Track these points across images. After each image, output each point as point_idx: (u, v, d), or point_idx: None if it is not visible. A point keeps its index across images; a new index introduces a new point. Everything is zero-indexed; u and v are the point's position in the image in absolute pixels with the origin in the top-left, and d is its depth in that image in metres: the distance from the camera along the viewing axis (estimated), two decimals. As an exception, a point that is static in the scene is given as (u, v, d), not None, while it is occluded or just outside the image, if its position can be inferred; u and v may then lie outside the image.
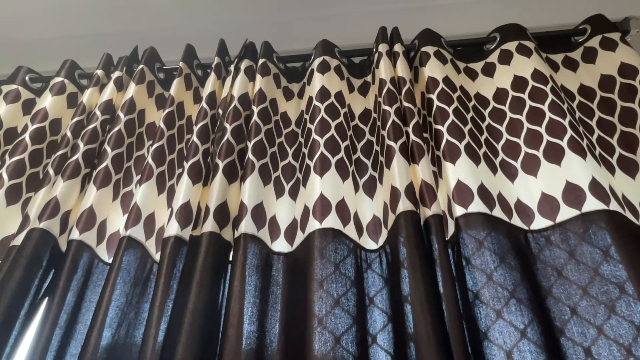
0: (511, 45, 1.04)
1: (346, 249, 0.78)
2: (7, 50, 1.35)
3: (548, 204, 0.80)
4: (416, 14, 1.26)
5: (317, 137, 0.92)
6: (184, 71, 1.11)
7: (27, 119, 1.14)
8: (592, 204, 0.75)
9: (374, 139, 0.98)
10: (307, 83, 1.10)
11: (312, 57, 1.11)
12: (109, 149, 0.96)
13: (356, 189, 0.90)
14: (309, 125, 0.97)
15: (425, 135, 0.93)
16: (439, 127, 0.89)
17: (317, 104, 0.98)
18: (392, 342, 0.71)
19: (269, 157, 0.95)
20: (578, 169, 0.79)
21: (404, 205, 0.77)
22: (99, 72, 1.16)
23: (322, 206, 0.81)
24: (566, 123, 0.85)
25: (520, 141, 0.90)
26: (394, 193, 0.80)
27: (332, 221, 0.80)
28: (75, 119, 1.05)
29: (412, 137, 0.87)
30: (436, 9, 1.26)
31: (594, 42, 1.05)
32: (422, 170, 0.82)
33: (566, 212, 0.77)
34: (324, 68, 1.05)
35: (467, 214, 0.75)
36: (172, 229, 0.81)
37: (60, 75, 1.18)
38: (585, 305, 0.68)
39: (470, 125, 0.90)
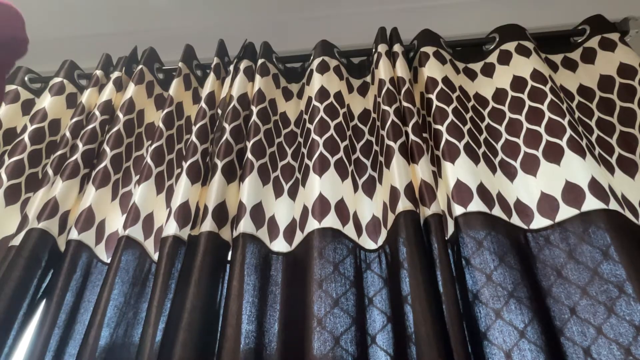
0: (510, 46, 1.04)
1: (345, 249, 0.78)
2: (7, 50, 1.35)
3: (547, 204, 0.80)
4: (415, 14, 1.26)
5: (317, 137, 0.91)
6: (183, 71, 1.11)
7: (26, 119, 1.14)
8: (591, 203, 0.74)
9: (373, 139, 0.98)
10: (306, 83, 1.10)
11: (312, 58, 1.11)
12: (108, 149, 0.96)
13: (355, 189, 0.90)
14: (308, 125, 0.97)
15: (424, 135, 0.93)
16: (438, 126, 0.88)
17: (317, 104, 0.98)
18: (392, 342, 0.71)
19: (268, 157, 0.95)
20: (577, 169, 0.79)
21: (404, 204, 0.77)
22: (98, 72, 1.16)
23: (321, 206, 0.81)
24: (565, 123, 0.85)
25: (520, 141, 0.90)
26: (394, 193, 0.80)
27: (331, 221, 0.79)
28: (75, 119, 1.05)
29: (412, 137, 0.87)
30: (435, 10, 1.26)
31: (593, 42, 1.05)
32: (422, 170, 0.82)
33: (566, 212, 0.77)
34: (323, 68, 1.05)
35: (467, 213, 0.75)
36: (171, 228, 0.81)
37: (59, 76, 1.18)
38: (585, 305, 0.68)
39: (469, 125, 0.90)
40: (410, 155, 0.86)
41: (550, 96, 0.90)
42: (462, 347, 0.63)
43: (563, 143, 0.83)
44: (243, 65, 1.09)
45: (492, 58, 1.06)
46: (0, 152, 1.07)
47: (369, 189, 0.91)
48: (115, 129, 0.99)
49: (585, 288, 0.69)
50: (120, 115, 1.02)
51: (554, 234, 0.76)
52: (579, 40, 1.08)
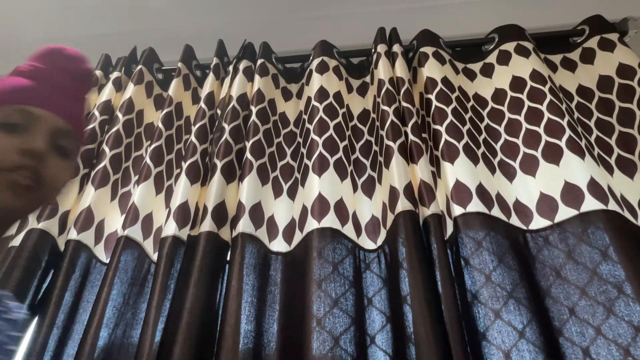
0: (510, 46, 1.04)
1: (345, 249, 0.78)
2: (6, 50, 1.35)
3: (547, 204, 0.80)
4: (415, 14, 1.26)
5: (316, 137, 0.91)
6: (182, 72, 1.11)
7: (25, 120, 1.14)
8: (590, 203, 0.75)
9: (372, 139, 0.98)
10: (305, 83, 1.09)
11: (311, 58, 1.11)
12: (107, 149, 0.96)
13: (355, 189, 0.90)
14: (307, 125, 0.97)
15: (423, 135, 0.93)
16: (437, 127, 0.88)
17: (316, 104, 0.98)
18: (391, 342, 0.71)
19: (267, 157, 0.94)
20: (576, 169, 0.79)
21: (403, 204, 0.77)
22: (98, 72, 1.16)
23: (321, 206, 0.81)
24: (565, 123, 0.85)
25: (519, 141, 0.90)
26: (393, 193, 0.80)
27: (330, 221, 0.79)
28: (74, 119, 1.05)
29: (411, 137, 0.87)
30: (435, 10, 1.26)
31: (592, 42, 1.05)
32: (421, 170, 0.82)
33: (565, 212, 0.77)
34: (322, 68, 1.05)
35: (466, 214, 0.75)
36: (170, 228, 0.81)
37: (59, 76, 1.17)
38: (584, 306, 0.68)
39: (468, 125, 0.90)
40: (410, 155, 0.86)
41: (549, 96, 0.90)
42: (461, 347, 0.63)
43: (562, 143, 0.83)
44: (242, 65, 1.09)
45: (492, 58, 1.06)
46: (0, 152, 1.07)
47: (369, 189, 0.91)
48: (114, 129, 0.99)
49: (584, 288, 0.69)
50: (120, 115, 1.02)
51: (553, 235, 0.76)
52: (578, 41, 1.08)
